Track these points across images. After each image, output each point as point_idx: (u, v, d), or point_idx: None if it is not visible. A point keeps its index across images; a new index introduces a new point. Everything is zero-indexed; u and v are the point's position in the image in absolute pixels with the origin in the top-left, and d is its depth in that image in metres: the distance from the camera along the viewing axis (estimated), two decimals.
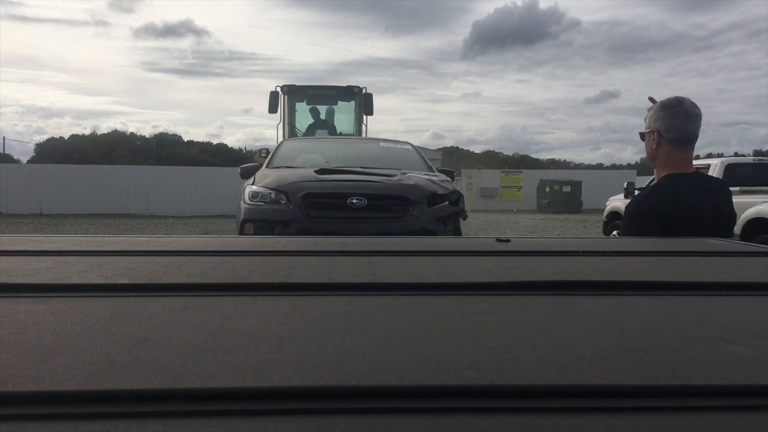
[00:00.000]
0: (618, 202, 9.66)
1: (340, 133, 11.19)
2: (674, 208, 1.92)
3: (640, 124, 2.19)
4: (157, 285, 0.76)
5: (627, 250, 1.25)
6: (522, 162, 61.52)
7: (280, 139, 9.91)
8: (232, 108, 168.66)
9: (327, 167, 5.78)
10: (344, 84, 11.53)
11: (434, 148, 31.54)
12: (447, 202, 5.35)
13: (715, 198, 2.02)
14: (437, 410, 0.38)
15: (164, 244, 1.24)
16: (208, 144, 72.40)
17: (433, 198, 5.28)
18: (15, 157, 49.71)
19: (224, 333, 0.53)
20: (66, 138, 65.67)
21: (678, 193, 1.96)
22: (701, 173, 2.23)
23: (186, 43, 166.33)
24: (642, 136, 2.14)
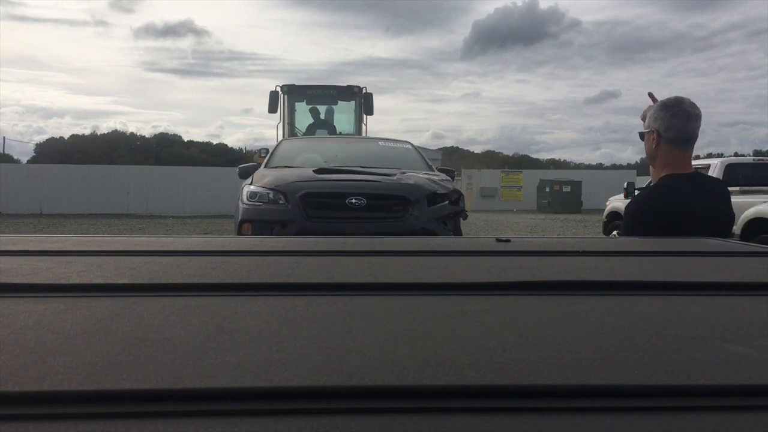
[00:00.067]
0: (618, 202, 9.65)
1: (340, 133, 11.18)
2: (673, 209, 1.92)
3: (640, 124, 2.19)
4: (157, 285, 0.76)
5: (627, 250, 1.25)
6: (522, 162, 61.53)
7: (280, 139, 9.91)
8: (232, 108, 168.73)
9: (326, 167, 5.74)
10: (344, 84, 11.53)
11: (434, 148, 31.57)
12: (447, 202, 5.32)
13: (714, 198, 2.02)
14: (437, 410, 0.38)
15: (164, 244, 1.24)
16: (208, 144, 72.50)
17: (433, 197, 5.24)
18: (15, 157, 49.79)
19: (224, 333, 0.53)
20: (66, 138, 65.77)
21: (677, 193, 1.96)
22: (700, 173, 2.23)
23: (186, 43, 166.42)
24: (641, 136, 2.14)
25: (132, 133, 72.39)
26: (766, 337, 0.55)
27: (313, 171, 5.46)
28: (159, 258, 1.00)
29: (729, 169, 8.46)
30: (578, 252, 1.16)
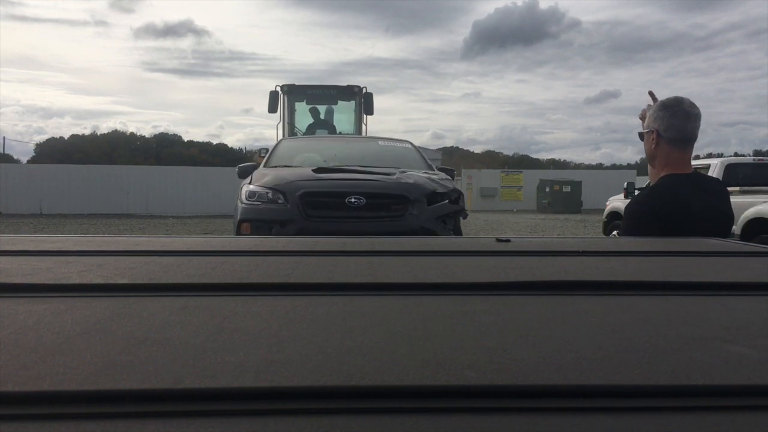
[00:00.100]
0: (618, 202, 9.65)
1: (340, 133, 11.18)
2: (673, 209, 1.92)
3: (640, 124, 2.19)
4: (157, 285, 0.76)
5: (627, 250, 1.25)
6: (522, 162, 61.53)
7: (280, 138, 9.90)
8: (232, 108, 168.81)
9: (325, 166, 5.71)
10: (344, 84, 11.52)
11: (434, 148, 31.58)
12: (447, 201, 5.29)
13: (713, 198, 2.02)
14: (437, 410, 0.38)
15: (164, 244, 1.24)
16: (208, 144, 72.51)
17: (433, 196, 5.21)
18: (15, 157, 49.80)
19: (224, 333, 0.53)
20: (66, 138, 65.78)
21: (677, 193, 1.96)
22: (700, 173, 2.23)
23: (186, 43, 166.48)
24: (641, 136, 2.14)
25: (132, 133, 72.49)
26: (766, 337, 0.55)
27: (313, 170, 5.42)
28: (159, 258, 1.00)
29: (729, 169, 8.46)
30: (578, 252, 1.16)
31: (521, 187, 27.35)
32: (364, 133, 10.77)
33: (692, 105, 2.00)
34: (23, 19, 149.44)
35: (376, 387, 0.41)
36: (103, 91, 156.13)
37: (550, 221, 18.23)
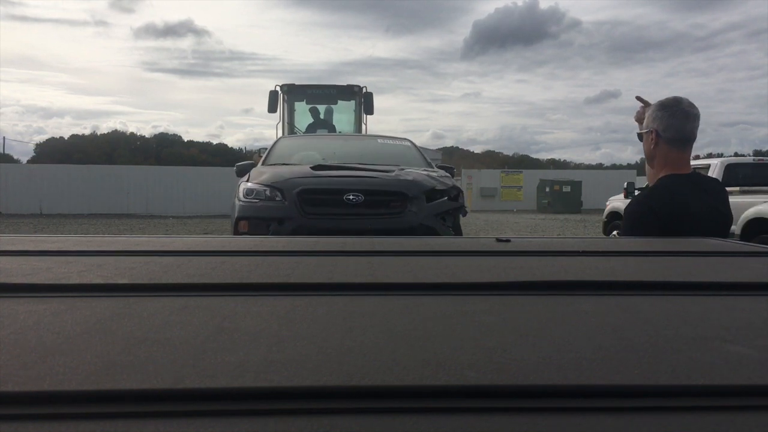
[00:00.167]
0: (618, 202, 9.66)
1: (340, 133, 11.16)
2: (672, 209, 1.92)
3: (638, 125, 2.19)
4: (157, 285, 0.76)
5: (627, 250, 1.25)
6: (522, 162, 61.53)
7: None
8: (232, 108, 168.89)
9: (323, 163, 5.67)
10: (344, 84, 11.50)
11: (434, 148, 31.56)
12: (446, 198, 5.24)
13: (712, 198, 2.02)
14: (437, 410, 0.38)
15: (164, 244, 1.24)
16: (208, 144, 72.52)
17: (432, 193, 5.17)
18: (15, 157, 49.82)
19: (224, 333, 0.53)
20: (66, 138, 65.80)
21: (676, 194, 1.96)
22: (699, 173, 2.23)
23: (186, 43, 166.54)
24: (640, 136, 2.14)
25: (132, 133, 72.50)
26: (766, 337, 0.55)
27: (311, 167, 5.38)
28: (159, 258, 1.00)
29: (729, 169, 8.46)
30: (578, 252, 1.16)
31: (521, 187, 27.35)
32: (363, 133, 10.75)
33: (691, 105, 2.00)
34: (23, 19, 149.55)
35: (376, 387, 0.41)
36: (103, 91, 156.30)
37: (550, 221, 18.23)
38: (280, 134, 10.60)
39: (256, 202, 5.06)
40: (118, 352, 0.47)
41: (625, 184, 9.22)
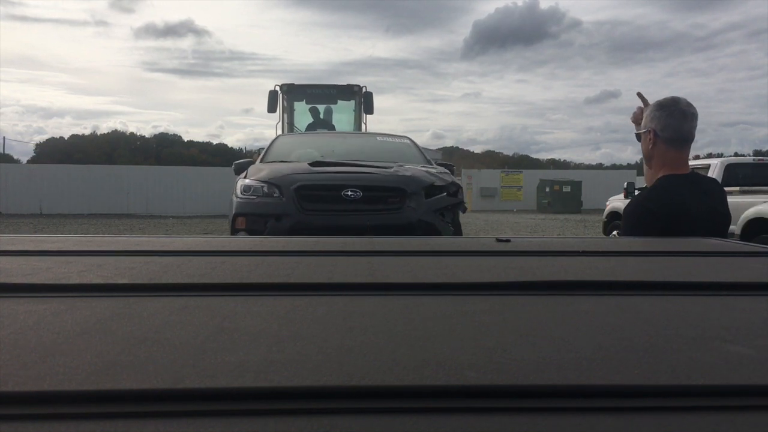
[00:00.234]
0: (618, 202, 9.65)
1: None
2: (671, 209, 1.92)
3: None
4: (157, 285, 0.76)
5: (627, 250, 1.25)
6: (522, 162, 61.52)
7: None
8: (232, 108, 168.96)
9: (322, 160, 5.62)
10: (344, 83, 11.50)
11: (434, 148, 31.58)
12: (445, 194, 5.21)
13: (710, 198, 2.02)
14: (437, 410, 0.38)
15: (164, 244, 1.24)
16: (208, 144, 72.50)
17: (431, 189, 5.13)
18: (15, 157, 49.82)
19: (224, 333, 0.53)
20: (66, 138, 65.78)
21: (674, 194, 1.96)
22: (697, 174, 2.23)
23: (186, 43, 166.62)
24: (638, 136, 2.14)
25: (132, 133, 72.48)
26: (766, 337, 0.55)
27: (309, 164, 5.33)
28: (159, 258, 1.00)
29: (729, 169, 8.46)
30: (578, 252, 1.16)
31: (521, 187, 27.34)
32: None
33: (689, 105, 2.00)
34: (23, 19, 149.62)
35: (376, 387, 0.41)
36: (103, 91, 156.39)
37: (550, 221, 18.23)
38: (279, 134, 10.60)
39: (253, 198, 5.02)
40: (118, 352, 0.47)
41: (625, 184, 9.22)
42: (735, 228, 6.49)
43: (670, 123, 1.99)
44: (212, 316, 0.59)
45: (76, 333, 0.53)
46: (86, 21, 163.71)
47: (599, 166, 55.24)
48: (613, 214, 9.69)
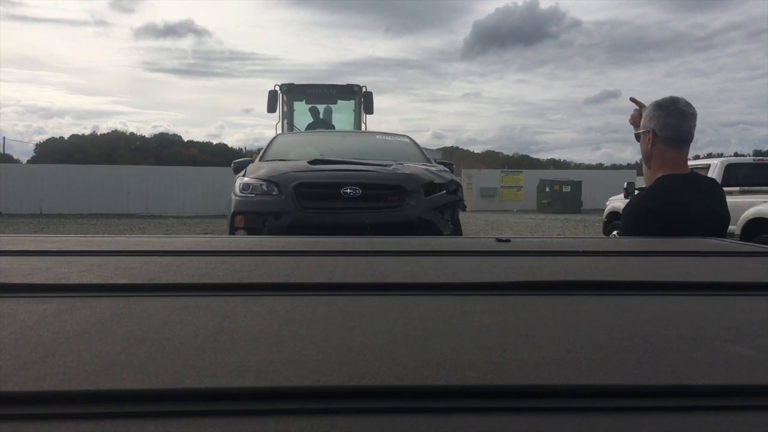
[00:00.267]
0: (618, 202, 9.65)
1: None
2: (670, 209, 1.93)
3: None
4: (157, 285, 0.76)
5: (627, 250, 1.25)
6: (522, 162, 61.53)
7: None
8: (232, 108, 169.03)
9: (321, 158, 5.60)
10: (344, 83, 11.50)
11: (434, 147, 31.58)
12: (444, 192, 5.19)
13: (709, 199, 2.02)
14: (437, 410, 0.38)
15: (164, 244, 1.24)
16: (208, 144, 72.53)
17: (430, 187, 5.12)
18: (15, 157, 49.84)
19: (224, 333, 0.53)
20: (66, 138, 65.79)
21: (674, 194, 1.96)
22: (696, 173, 2.23)
23: (186, 43, 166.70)
24: (637, 137, 2.14)
25: (132, 133, 72.51)
26: (766, 337, 0.55)
27: (308, 162, 5.32)
28: (159, 258, 1.00)
29: (729, 169, 8.46)
30: (578, 252, 1.16)
31: (521, 187, 27.33)
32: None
33: (687, 104, 2.00)
34: (23, 19, 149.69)
35: (376, 387, 0.41)
36: (103, 91, 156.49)
37: (550, 221, 18.23)
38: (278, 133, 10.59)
39: (252, 196, 5.00)
40: (118, 352, 0.47)
41: (625, 184, 9.21)
42: (735, 228, 6.49)
43: (669, 123, 1.99)
44: (212, 316, 0.59)
45: (76, 333, 0.53)
46: (86, 21, 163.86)
47: (599, 166, 55.24)
48: (613, 214, 9.69)
